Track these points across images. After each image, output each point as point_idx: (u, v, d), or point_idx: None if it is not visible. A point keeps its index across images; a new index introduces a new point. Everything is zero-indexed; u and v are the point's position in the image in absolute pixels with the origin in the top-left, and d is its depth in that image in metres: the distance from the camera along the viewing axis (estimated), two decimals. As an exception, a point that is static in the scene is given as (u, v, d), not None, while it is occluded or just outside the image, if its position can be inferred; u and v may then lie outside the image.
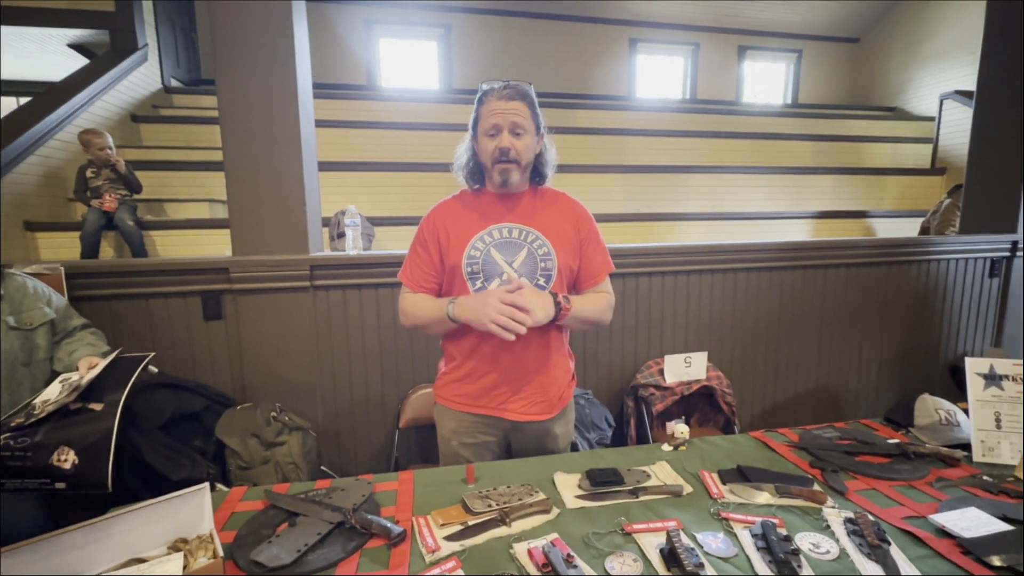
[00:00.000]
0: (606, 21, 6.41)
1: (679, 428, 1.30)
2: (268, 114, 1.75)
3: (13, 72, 5.38)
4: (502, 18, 6.19)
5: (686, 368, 2.09)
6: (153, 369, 1.59)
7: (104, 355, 1.39)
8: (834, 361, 2.42)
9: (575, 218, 1.25)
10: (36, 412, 1.20)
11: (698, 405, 2.20)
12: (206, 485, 0.88)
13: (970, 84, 5.13)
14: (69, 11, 4.17)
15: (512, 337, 1.06)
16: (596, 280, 1.26)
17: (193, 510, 0.90)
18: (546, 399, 1.24)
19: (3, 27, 4.15)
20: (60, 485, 1.16)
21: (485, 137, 1.16)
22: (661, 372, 2.09)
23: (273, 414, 1.60)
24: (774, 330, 2.32)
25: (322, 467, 1.77)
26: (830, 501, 1.04)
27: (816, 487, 1.08)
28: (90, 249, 2.92)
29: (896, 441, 1.29)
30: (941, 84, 5.70)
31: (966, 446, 1.25)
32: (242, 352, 1.82)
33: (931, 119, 5.61)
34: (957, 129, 5.14)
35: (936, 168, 5.25)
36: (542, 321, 1.10)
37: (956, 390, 2.37)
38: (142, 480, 1.34)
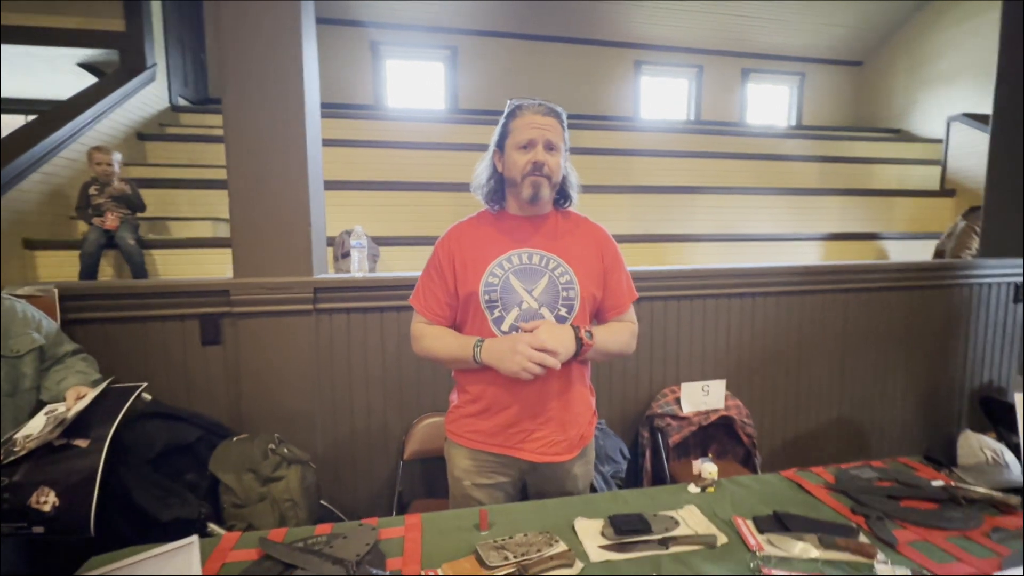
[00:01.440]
0: (611, 44, 6.47)
1: (707, 467, 1.22)
2: (275, 134, 1.70)
3: (23, 90, 5.41)
4: (508, 40, 6.25)
5: (704, 397, 2.00)
6: (147, 396, 1.50)
7: (94, 384, 1.31)
8: (857, 390, 2.32)
9: (599, 244, 1.18)
10: (16, 449, 1.12)
11: (716, 436, 2.10)
12: (195, 539, 0.79)
13: (975, 106, 5.18)
14: (80, 31, 4.20)
15: (543, 372, 1.03)
16: (621, 310, 1.19)
17: (180, 565, 0.81)
18: (567, 438, 1.16)
19: (14, 46, 4.18)
20: (38, 529, 1.07)
21: (517, 151, 1.11)
22: (678, 401, 2.00)
23: (271, 446, 1.51)
24: (794, 357, 2.23)
25: (321, 501, 1.67)
26: (880, 555, 0.94)
27: (863, 538, 0.99)
28: (89, 268, 2.86)
29: (941, 483, 1.20)
30: (945, 106, 5.71)
31: (1018, 490, 1.16)
32: (240, 379, 1.74)
33: (936, 141, 5.60)
34: (965, 151, 5.12)
35: (945, 190, 5.21)
36: (564, 359, 1.04)
37: (986, 421, 2.27)
38: (128, 521, 1.24)
